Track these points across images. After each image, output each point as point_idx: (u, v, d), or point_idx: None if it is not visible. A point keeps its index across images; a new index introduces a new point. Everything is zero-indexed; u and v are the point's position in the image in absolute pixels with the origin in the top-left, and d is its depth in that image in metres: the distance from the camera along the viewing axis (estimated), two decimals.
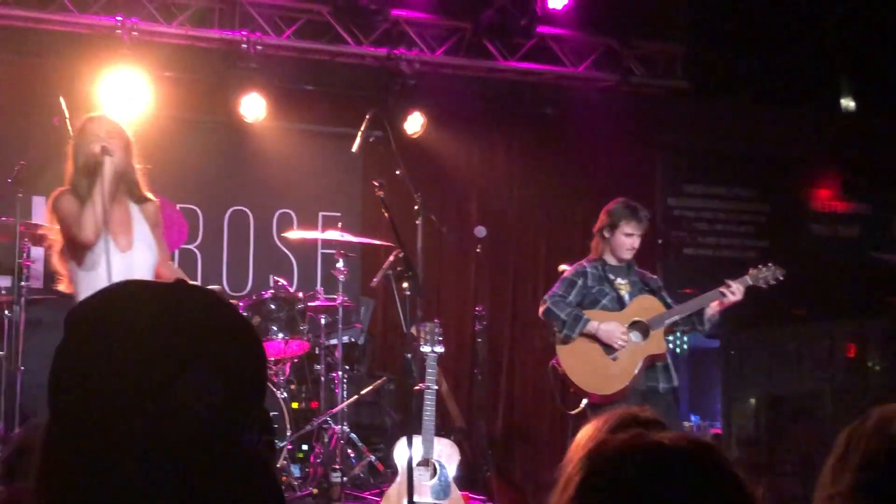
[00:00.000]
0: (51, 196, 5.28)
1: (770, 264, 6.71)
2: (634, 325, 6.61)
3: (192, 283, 1.45)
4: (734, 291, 6.51)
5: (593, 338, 6.57)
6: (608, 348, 6.55)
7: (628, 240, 6.63)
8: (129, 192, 5.36)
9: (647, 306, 6.66)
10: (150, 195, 5.49)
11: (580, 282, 6.70)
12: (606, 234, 6.70)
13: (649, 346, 6.58)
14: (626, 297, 6.68)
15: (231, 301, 1.30)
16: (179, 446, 1.28)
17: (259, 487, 1.37)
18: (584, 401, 6.59)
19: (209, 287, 1.46)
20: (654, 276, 7.02)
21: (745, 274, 6.66)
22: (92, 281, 5.09)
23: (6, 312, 7.41)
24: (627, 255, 6.69)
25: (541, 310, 6.74)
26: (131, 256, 5.26)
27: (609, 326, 6.53)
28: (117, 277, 5.04)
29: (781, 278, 6.68)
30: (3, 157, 8.05)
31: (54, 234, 5.32)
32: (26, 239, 7.34)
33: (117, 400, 1.28)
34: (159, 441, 1.28)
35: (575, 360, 6.61)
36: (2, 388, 7.22)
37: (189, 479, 1.29)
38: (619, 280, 6.70)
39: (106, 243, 5.12)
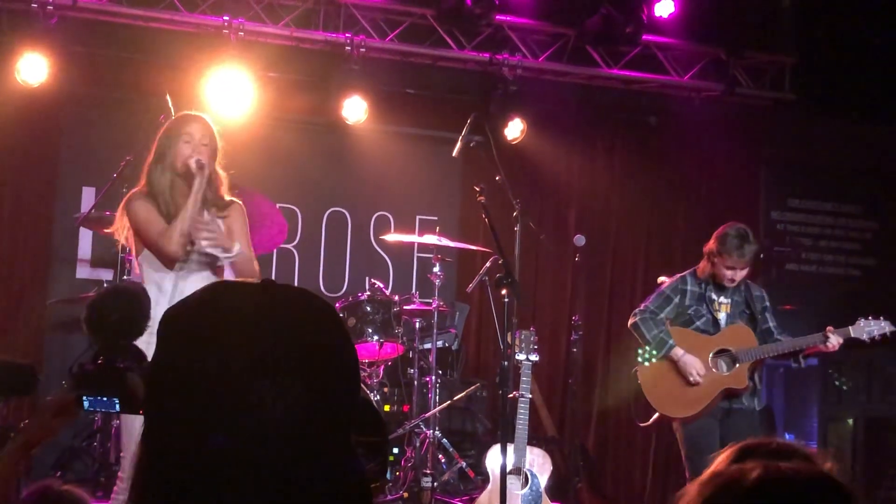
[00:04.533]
0: (125, 198, 5.09)
1: (882, 318, 6.42)
2: (722, 353, 6.45)
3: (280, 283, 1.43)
4: (832, 344, 6.31)
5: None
6: None
7: (728, 272, 6.41)
8: (208, 199, 5.13)
9: (740, 336, 6.47)
10: (230, 198, 5.26)
11: (676, 299, 6.56)
12: (714, 260, 6.48)
13: (730, 380, 6.40)
14: (723, 319, 6.50)
15: (324, 302, 1.31)
16: (260, 447, 1.28)
17: (342, 495, 1.34)
18: (656, 414, 6.51)
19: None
20: (762, 293, 6.73)
21: (850, 324, 6.41)
22: (168, 282, 4.98)
23: None
24: (728, 285, 6.48)
25: (630, 322, 6.62)
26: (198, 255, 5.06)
27: (690, 359, 6.38)
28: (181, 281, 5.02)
29: (889, 334, 6.42)
30: (108, 152, 8.19)
31: (123, 234, 5.11)
32: None
33: (202, 400, 1.29)
34: (240, 442, 1.27)
35: (652, 377, 6.51)
36: None
37: (271, 480, 1.28)
38: (721, 299, 6.52)
39: (189, 252, 5.01)
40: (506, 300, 5.84)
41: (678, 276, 6.69)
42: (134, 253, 5.14)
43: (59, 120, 8.82)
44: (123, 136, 8.17)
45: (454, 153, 7.43)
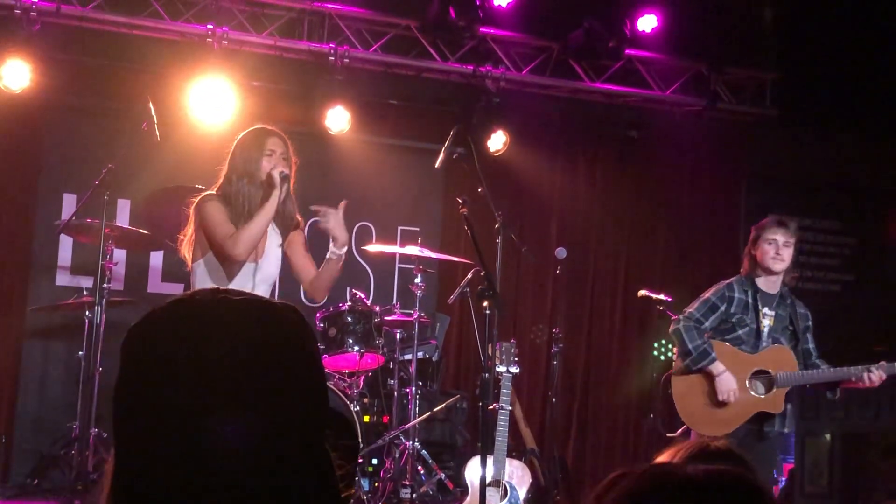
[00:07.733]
0: (198, 198, 5.27)
1: None
2: (760, 375, 6.23)
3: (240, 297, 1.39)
4: (874, 379, 6.11)
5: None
6: None
7: (771, 247, 6.18)
8: (281, 214, 5.36)
9: (781, 360, 6.22)
10: (298, 219, 5.56)
11: (723, 307, 6.28)
12: (753, 251, 6.26)
13: (766, 403, 6.20)
14: (766, 331, 6.25)
15: (290, 315, 1.30)
16: (219, 474, 1.26)
17: None
18: (684, 426, 6.33)
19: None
20: (806, 312, 6.46)
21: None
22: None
23: (87, 313, 7.50)
24: (775, 266, 6.19)
25: (671, 327, 6.35)
26: (256, 267, 5.29)
27: (728, 378, 6.14)
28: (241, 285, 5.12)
29: None
30: (90, 159, 8.16)
31: (189, 234, 5.31)
32: (110, 241, 7.44)
33: (161, 423, 1.27)
34: (199, 469, 1.26)
35: (686, 389, 6.27)
36: (80, 388, 7.31)
37: (241, 500, 1.27)
38: (765, 310, 6.27)
39: (255, 266, 5.22)
40: (487, 312, 5.85)
41: (724, 282, 6.39)
42: (190, 259, 5.29)
43: (41, 126, 8.78)
44: (105, 144, 8.15)
45: (437, 164, 7.42)
